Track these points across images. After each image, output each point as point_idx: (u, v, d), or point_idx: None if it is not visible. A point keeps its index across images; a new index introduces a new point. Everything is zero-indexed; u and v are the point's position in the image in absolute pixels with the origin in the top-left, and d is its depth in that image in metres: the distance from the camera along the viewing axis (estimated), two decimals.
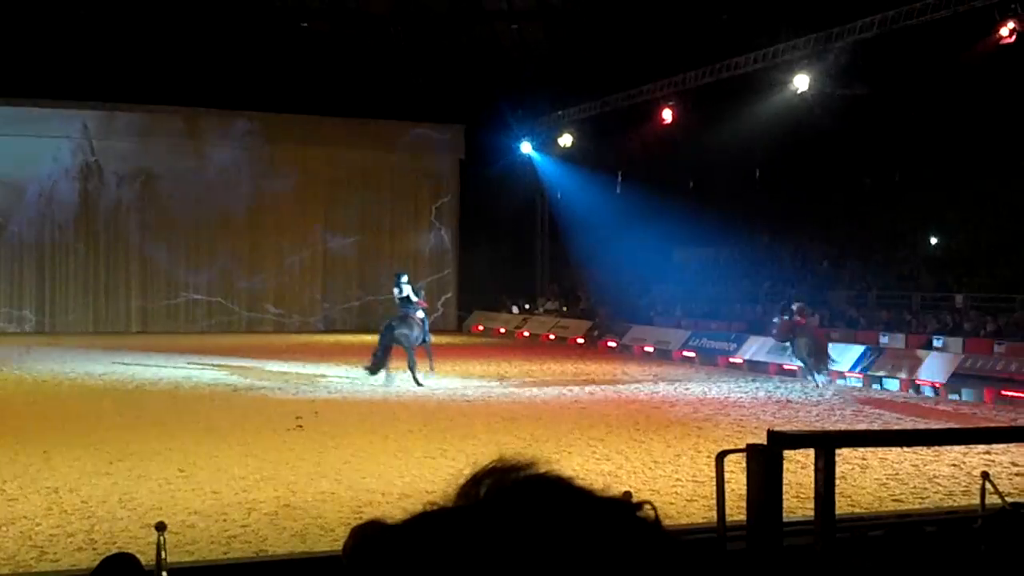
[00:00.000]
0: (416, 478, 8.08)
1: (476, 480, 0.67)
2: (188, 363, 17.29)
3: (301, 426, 10.65)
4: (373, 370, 14.42)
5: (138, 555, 3.67)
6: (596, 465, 8.78)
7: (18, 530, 6.35)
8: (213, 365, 17.01)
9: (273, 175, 26.85)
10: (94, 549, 5.81)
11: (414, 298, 14.88)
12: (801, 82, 18.70)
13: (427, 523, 0.65)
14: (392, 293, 15.33)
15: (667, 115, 21.69)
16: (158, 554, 3.35)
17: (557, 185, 27.70)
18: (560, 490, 0.66)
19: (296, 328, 26.20)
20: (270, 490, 7.54)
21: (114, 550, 4.78)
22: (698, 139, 22.37)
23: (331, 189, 27.28)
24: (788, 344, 15.43)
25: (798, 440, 2.54)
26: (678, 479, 8.14)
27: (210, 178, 26.23)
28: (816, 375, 15.15)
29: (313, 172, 27.11)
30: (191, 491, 7.49)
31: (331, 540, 6.14)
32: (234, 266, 26.33)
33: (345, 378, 15.16)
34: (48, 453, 8.87)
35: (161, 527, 3.40)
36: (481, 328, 26.68)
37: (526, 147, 27.46)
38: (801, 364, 15.64)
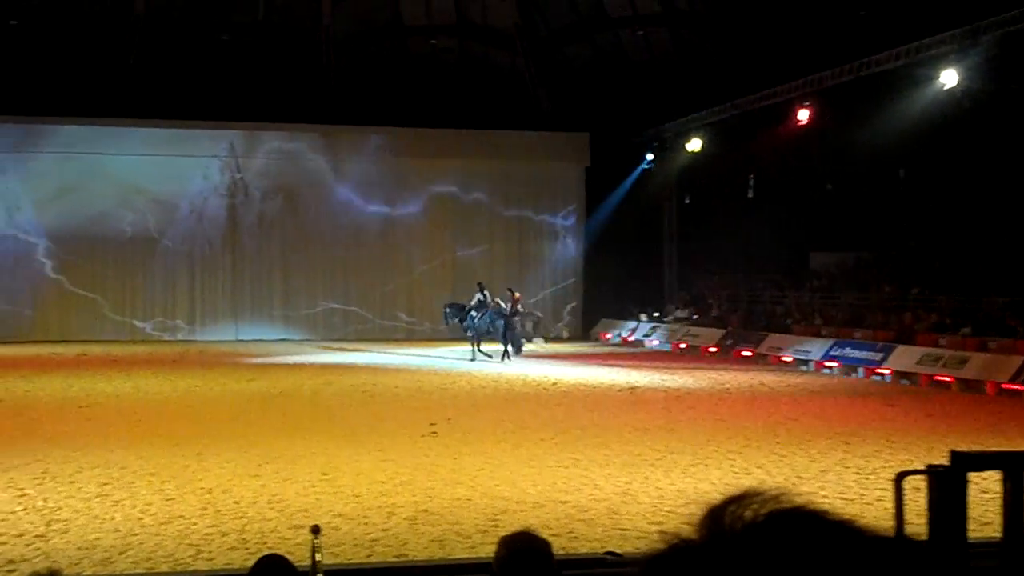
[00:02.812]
0: (549, 487, 8.02)
1: (721, 510, 0.60)
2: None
3: (435, 432, 10.83)
4: (519, 350, 19.67)
5: (287, 555, 3.79)
6: (735, 480, 8.45)
7: (176, 529, 6.70)
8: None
9: (404, 187, 27.62)
10: (246, 549, 6.05)
11: (489, 301, 20.41)
12: (948, 77, 17.56)
13: (677, 559, 0.58)
14: (478, 298, 20.52)
15: (803, 115, 20.86)
16: (313, 556, 3.44)
17: (686, 190, 27.15)
18: (822, 525, 0.58)
19: (427, 336, 26.79)
20: (408, 495, 7.67)
21: (265, 550, 4.96)
22: (836, 139, 21.39)
23: (459, 200, 27.79)
24: (498, 324, 20.15)
25: (983, 461, 2.32)
26: (824, 496, 7.71)
27: (345, 192, 27.27)
28: (511, 351, 19.85)
29: (441, 184, 27.70)
30: (334, 494, 7.72)
31: (468, 547, 6.18)
32: (368, 276, 27.22)
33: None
34: (201, 455, 9.37)
35: (316, 530, 3.48)
36: (608, 336, 26.43)
37: (653, 153, 27.07)
38: (507, 342, 19.94)
